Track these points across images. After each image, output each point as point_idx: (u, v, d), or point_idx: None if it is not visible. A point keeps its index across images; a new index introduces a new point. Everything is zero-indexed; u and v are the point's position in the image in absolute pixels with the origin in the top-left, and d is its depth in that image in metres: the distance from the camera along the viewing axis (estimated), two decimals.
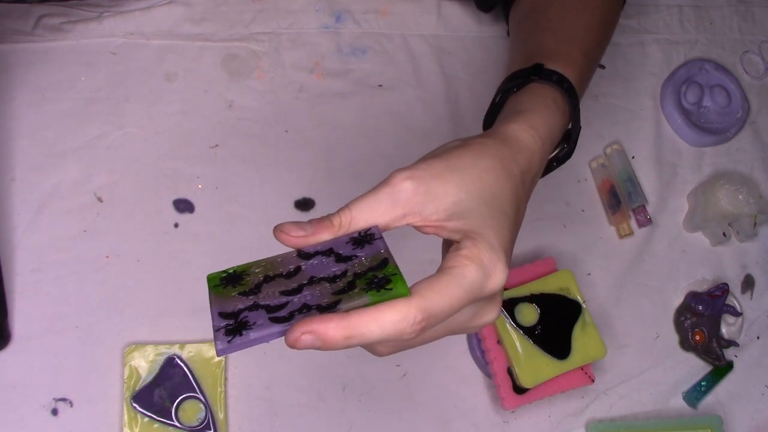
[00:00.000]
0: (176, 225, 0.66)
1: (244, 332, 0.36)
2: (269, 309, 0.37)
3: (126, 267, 0.64)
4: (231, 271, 0.40)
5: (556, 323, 0.63)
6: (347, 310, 0.36)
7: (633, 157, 0.76)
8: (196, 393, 0.61)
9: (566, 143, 0.54)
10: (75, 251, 0.63)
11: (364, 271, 0.38)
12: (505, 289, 0.63)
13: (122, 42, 0.69)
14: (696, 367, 0.71)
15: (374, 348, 0.40)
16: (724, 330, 0.72)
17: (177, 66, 0.70)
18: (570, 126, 0.53)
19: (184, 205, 0.66)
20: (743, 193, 0.73)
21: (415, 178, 0.40)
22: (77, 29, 0.69)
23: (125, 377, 0.60)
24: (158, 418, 0.59)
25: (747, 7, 0.84)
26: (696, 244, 0.75)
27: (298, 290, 0.38)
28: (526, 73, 0.52)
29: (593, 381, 0.65)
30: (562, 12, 0.59)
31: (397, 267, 0.38)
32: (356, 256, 0.39)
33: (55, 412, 0.59)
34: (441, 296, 0.37)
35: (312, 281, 0.38)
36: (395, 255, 0.39)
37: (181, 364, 0.61)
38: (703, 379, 0.70)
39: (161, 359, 0.61)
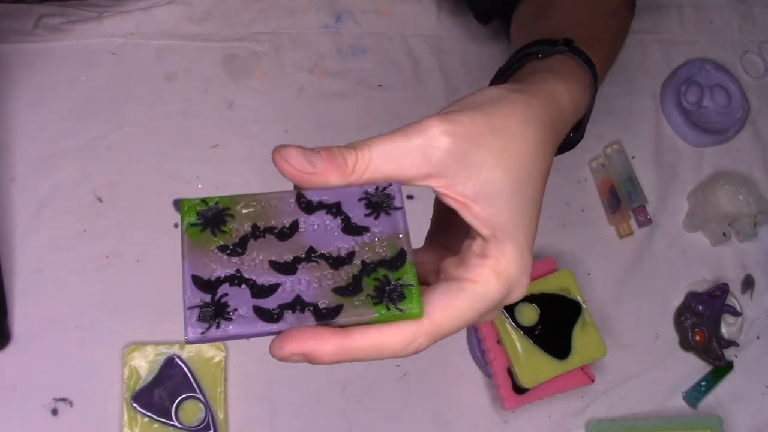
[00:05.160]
0: (176, 225, 0.66)
1: (222, 323, 0.29)
2: (255, 290, 0.31)
3: (126, 267, 0.64)
4: (213, 202, 0.32)
5: (556, 323, 0.63)
6: (347, 324, 0.31)
7: (633, 157, 0.76)
8: (196, 393, 0.61)
9: (572, 131, 0.47)
10: (75, 251, 0.63)
11: (375, 263, 0.32)
12: None
13: (122, 42, 0.69)
14: (696, 367, 0.71)
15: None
16: (724, 330, 0.72)
17: (177, 66, 0.70)
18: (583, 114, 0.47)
19: None
20: (743, 193, 0.73)
21: (455, 136, 0.33)
22: (77, 29, 0.68)
23: (125, 377, 0.60)
24: (158, 418, 0.59)
25: (747, 7, 0.84)
26: (696, 244, 0.75)
27: (291, 268, 0.31)
28: (551, 43, 0.46)
29: (593, 381, 0.65)
30: (580, 12, 0.54)
31: (414, 270, 0.32)
32: (369, 230, 0.32)
33: (55, 412, 0.59)
34: (452, 321, 0.31)
35: (311, 257, 0.32)
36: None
37: (181, 364, 0.61)
38: (703, 379, 0.70)
39: (161, 359, 0.61)
